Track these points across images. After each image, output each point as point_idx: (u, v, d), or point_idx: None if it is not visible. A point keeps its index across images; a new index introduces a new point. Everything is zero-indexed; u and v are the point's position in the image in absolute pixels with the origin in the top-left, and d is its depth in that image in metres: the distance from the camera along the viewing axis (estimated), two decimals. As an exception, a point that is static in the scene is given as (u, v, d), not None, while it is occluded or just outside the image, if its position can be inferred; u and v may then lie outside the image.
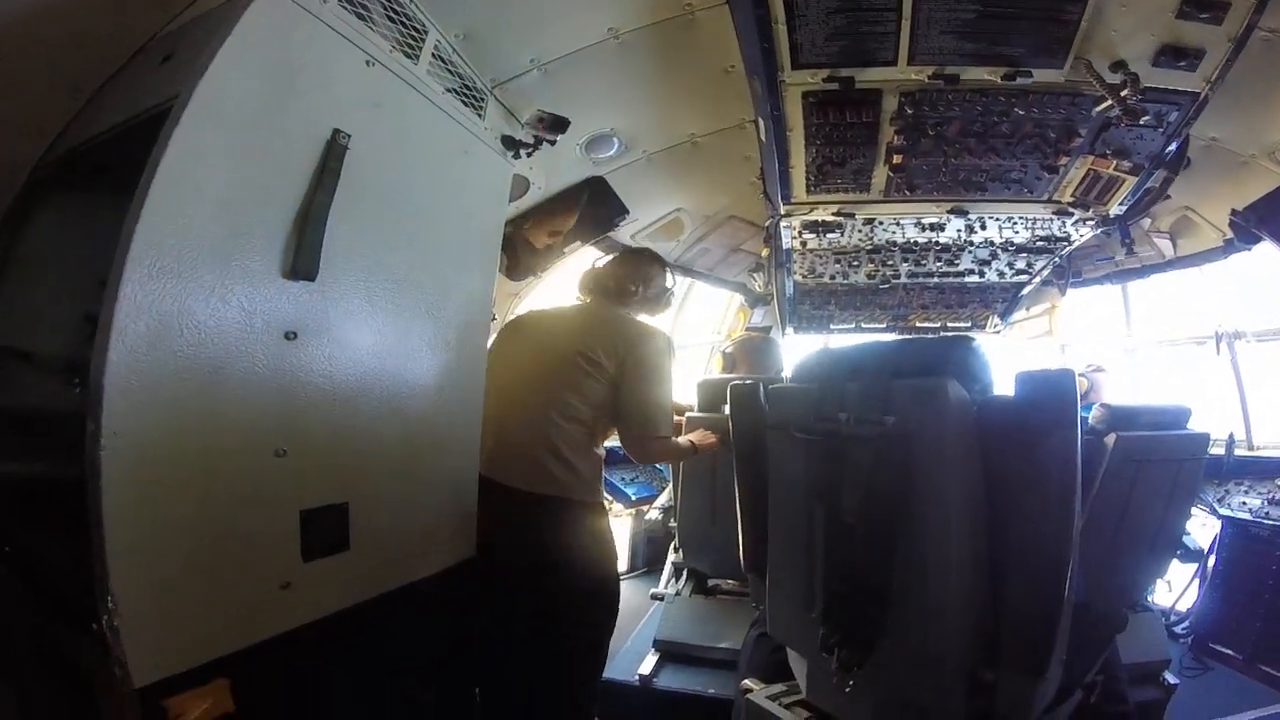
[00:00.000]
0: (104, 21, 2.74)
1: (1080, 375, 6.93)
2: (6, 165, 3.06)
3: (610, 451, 4.00)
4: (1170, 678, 4.66)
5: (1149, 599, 5.22)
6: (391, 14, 3.03)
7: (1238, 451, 6.28)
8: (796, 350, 8.35)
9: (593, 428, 3.78)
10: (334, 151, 2.67)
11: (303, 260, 2.56)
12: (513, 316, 5.06)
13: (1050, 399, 2.34)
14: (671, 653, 5.05)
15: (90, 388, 2.02)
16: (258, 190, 2.46)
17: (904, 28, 3.38)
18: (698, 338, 9.32)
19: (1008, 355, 8.47)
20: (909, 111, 3.92)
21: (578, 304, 4.24)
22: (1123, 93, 3.47)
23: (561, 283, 5.73)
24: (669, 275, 4.39)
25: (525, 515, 3.62)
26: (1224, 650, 5.27)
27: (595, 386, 3.72)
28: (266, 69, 2.46)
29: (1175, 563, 5.07)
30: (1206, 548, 5.75)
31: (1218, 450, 5.92)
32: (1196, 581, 5.75)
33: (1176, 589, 5.81)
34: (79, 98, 2.98)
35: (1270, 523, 5.34)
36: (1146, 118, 3.77)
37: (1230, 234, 5.50)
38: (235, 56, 2.33)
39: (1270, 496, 5.62)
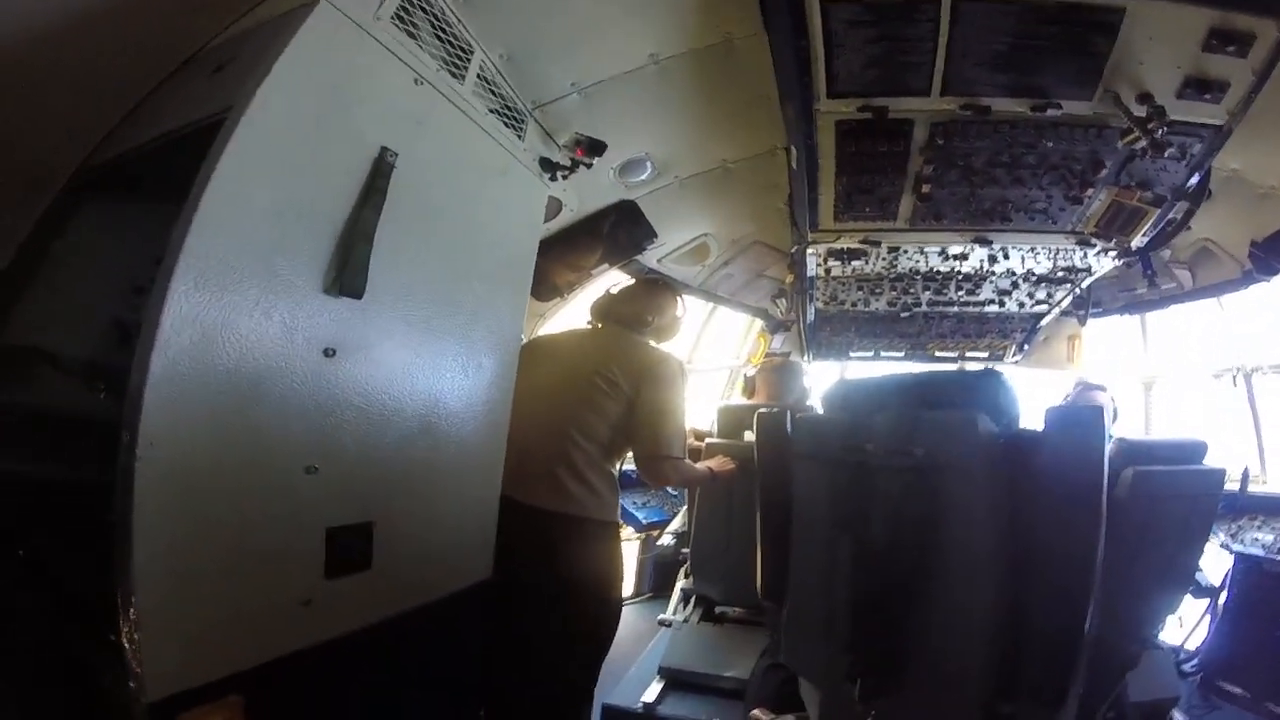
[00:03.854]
0: (155, 28, 2.76)
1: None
2: (48, 167, 3.08)
3: (623, 475, 4.01)
4: (1178, 716, 4.65)
5: (1159, 636, 5.21)
6: (440, 33, 3.06)
7: (1253, 487, 6.25)
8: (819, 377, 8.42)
9: (609, 448, 3.83)
10: (381, 169, 2.70)
11: (349, 278, 2.58)
12: (533, 336, 5.09)
13: (1078, 436, 2.38)
14: (677, 680, 4.97)
15: (129, 397, 2.03)
16: (306, 205, 2.48)
17: (939, 58, 3.41)
18: (717, 362, 9.31)
19: (1027, 385, 8.48)
20: (939, 142, 3.94)
21: (590, 329, 4.30)
22: (1149, 125, 3.48)
23: (588, 304, 5.75)
24: (681, 304, 4.45)
25: (545, 534, 3.66)
26: (1232, 689, 5.20)
27: (613, 407, 3.78)
28: (319, 84, 2.49)
29: (1186, 599, 5.05)
30: (1218, 584, 5.71)
31: (1232, 485, 5.91)
32: (1207, 618, 5.71)
33: (1187, 625, 5.77)
34: (125, 103, 3.00)
35: (1283, 559, 5.33)
36: (1171, 150, 3.80)
37: (1249, 265, 5.52)
38: (290, 70, 2.36)
39: (1284, 532, 5.60)
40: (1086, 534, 2.32)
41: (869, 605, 2.66)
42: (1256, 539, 5.63)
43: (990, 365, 7.98)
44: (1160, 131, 3.50)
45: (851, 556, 2.73)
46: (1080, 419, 2.42)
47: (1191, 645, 5.74)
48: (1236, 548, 5.65)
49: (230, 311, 2.23)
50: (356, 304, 2.65)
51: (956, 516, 2.50)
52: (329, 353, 2.58)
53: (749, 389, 6.71)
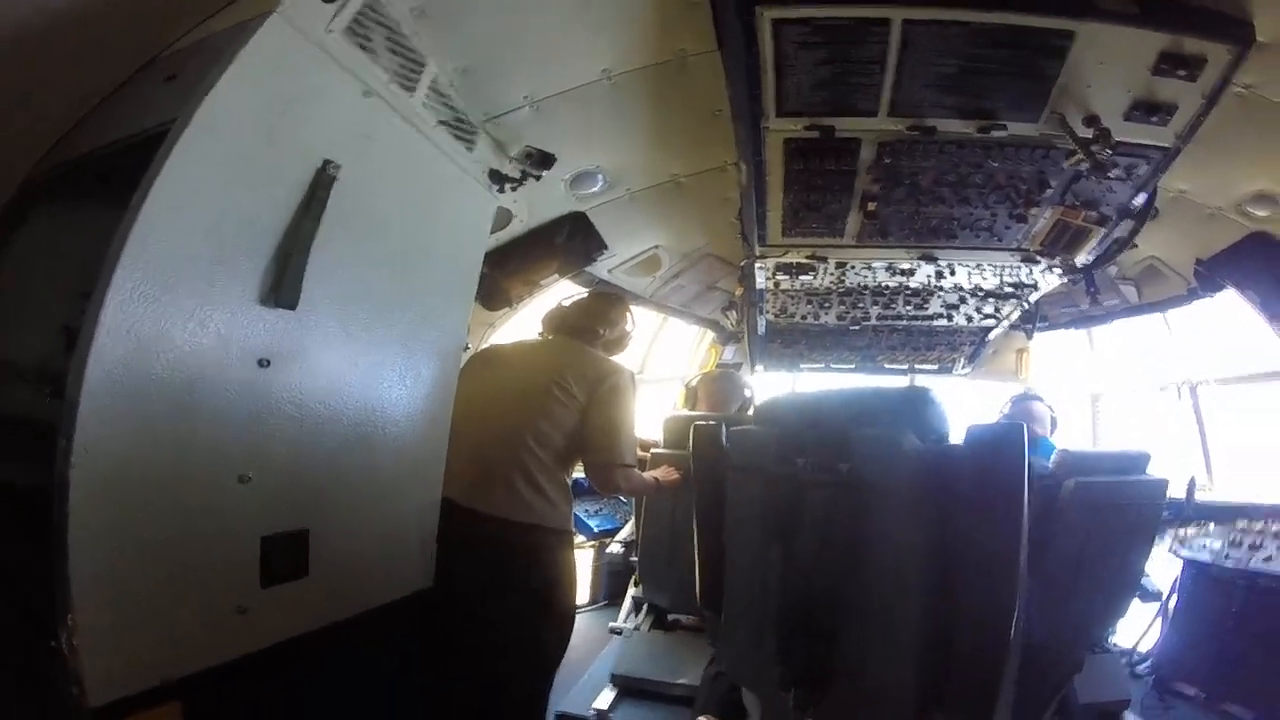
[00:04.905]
0: (111, 34, 2.72)
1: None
2: (2, 169, 3.06)
3: (575, 483, 4.02)
4: (1131, 717, 4.70)
5: (1111, 640, 5.26)
6: (394, 46, 3.04)
7: (1200, 495, 6.35)
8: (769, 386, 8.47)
9: (564, 456, 3.84)
10: (322, 181, 2.70)
11: (284, 289, 2.59)
12: (485, 346, 5.08)
13: (999, 452, 2.41)
14: (629, 687, 4.98)
15: (65, 405, 2.04)
16: (245, 217, 2.49)
17: (887, 80, 3.44)
18: (668, 372, 9.32)
19: (975, 398, 8.58)
20: (886, 161, 3.99)
21: (542, 340, 4.33)
22: (1093, 147, 3.53)
23: (537, 314, 5.73)
24: (631, 319, 4.49)
25: (499, 542, 3.65)
26: (1185, 689, 5.26)
27: (567, 416, 3.79)
28: (266, 97, 2.49)
29: (1137, 603, 5.09)
30: (1168, 589, 5.79)
31: (1179, 494, 6.00)
32: (1159, 621, 5.78)
33: (1139, 629, 5.85)
34: (80, 108, 2.97)
35: (1230, 565, 5.36)
36: (1116, 171, 3.85)
37: (1194, 282, 5.61)
38: (237, 82, 2.36)
39: (1231, 538, 5.64)
40: (1007, 548, 2.36)
41: (798, 616, 2.70)
42: (1204, 545, 5.69)
43: (939, 377, 8.09)
44: (1105, 153, 3.54)
45: (781, 569, 2.78)
46: (1000, 436, 2.47)
47: (1144, 648, 5.81)
48: (1185, 553, 5.71)
49: (166, 321, 2.24)
50: (292, 314, 2.65)
51: (881, 531, 2.55)
52: (264, 363, 2.58)
53: (690, 400, 6.76)
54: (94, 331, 2.06)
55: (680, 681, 4.86)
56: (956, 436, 2.69)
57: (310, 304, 2.70)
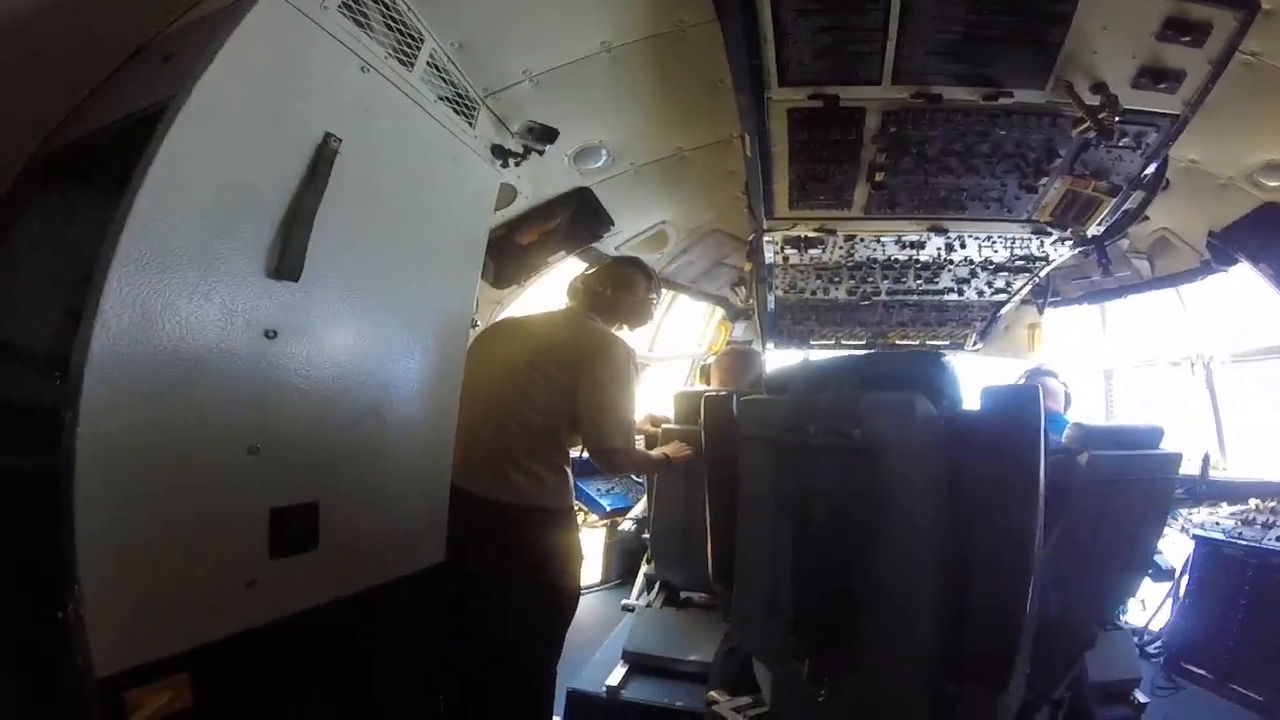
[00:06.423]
0: (107, 18, 2.75)
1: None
2: (2, 156, 3.06)
3: (586, 461, 3.99)
4: (1140, 696, 4.67)
5: (1122, 618, 5.23)
6: (390, 22, 3.06)
7: (1213, 473, 6.31)
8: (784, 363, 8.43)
9: (552, 437, 3.82)
10: (324, 155, 2.70)
11: (287, 261, 2.59)
12: (496, 320, 5.08)
13: (1015, 413, 2.39)
14: (640, 664, 4.96)
15: (70, 377, 2.05)
16: (248, 191, 2.49)
17: (889, 48, 3.41)
18: (679, 350, 9.30)
19: (987, 374, 8.54)
20: (892, 130, 3.96)
21: (557, 309, 4.26)
22: (1101, 114, 3.49)
23: (544, 293, 5.76)
24: (648, 285, 4.39)
25: (496, 524, 3.67)
26: (1196, 670, 5.24)
27: (546, 399, 3.77)
28: (264, 72, 2.50)
29: (1148, 582, 5.07)
30: (1179, 567, 5.76)
31: (1192, 470, 5.96)
32: (1170, 601, 5.76)
33: (1151, 608, 5.82)
34: (78, 93, 2.98)
35: (1243, 543, 5.32)
36: (1125, 139, 3.83)
37: (1207, 255, 5.57)
38: (234, 59, 2.37)
39: (1243, 516, 5.61)
40: (1023, 512, 2.33)
41: (812, 586, 2.68)
42: (1217, 523, 5.67)
43: (951, 353, 8.03)
44: (1112, 120, 3.51)
45: (793, 538, 2.75)
46: (1016, 397, 2.43)
47: (1155, 627, 5.80)
48: (1197, 532, 5.69)
49: (170, 293, 2.24)
50: (298, 286, 2.66)
51: (895, 497, 2.51)
52: (270, 334, 2.59)
53: (705, 378, 6.71)
54: (97, 305, 2.06)
55: (692, 658, 4.84)
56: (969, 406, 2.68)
57: (316, 276, 2.71)
